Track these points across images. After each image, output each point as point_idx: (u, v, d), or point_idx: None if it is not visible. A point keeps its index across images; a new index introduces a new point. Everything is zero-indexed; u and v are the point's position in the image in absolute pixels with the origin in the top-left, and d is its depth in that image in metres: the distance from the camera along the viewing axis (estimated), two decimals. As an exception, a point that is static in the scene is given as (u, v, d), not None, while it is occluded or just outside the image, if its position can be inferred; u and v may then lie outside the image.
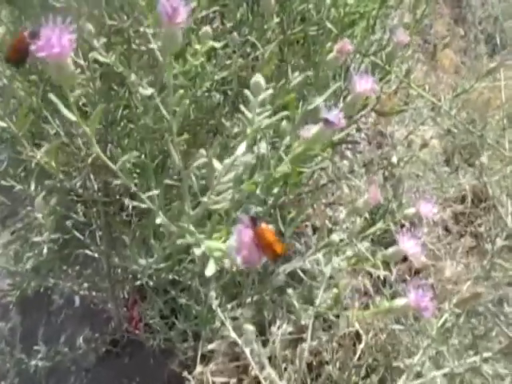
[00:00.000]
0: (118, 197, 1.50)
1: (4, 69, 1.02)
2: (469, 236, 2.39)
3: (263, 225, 0.67)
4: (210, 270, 0.63)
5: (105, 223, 1.53)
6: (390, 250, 0.82)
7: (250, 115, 0.72)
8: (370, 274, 1.87)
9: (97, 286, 1.78)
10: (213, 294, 0.89)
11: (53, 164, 0.98)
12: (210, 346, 1.04)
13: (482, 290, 0.96)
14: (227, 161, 0.72)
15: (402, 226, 1.68)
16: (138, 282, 1.55)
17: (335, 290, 0.89)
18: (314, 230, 2.23)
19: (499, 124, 1.51)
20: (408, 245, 0.80)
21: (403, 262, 2.07)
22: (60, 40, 0.62)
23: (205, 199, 0.72)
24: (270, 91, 0.73)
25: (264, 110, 0.72)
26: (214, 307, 0.88)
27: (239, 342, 0.83)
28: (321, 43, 1.07)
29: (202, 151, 0.74)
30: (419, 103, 1.50)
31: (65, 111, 0.70)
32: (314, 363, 1.77)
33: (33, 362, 1.75)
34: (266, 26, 1.01)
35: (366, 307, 1.93)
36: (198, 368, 1.03)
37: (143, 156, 1.19)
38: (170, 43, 0.73)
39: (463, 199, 2.35)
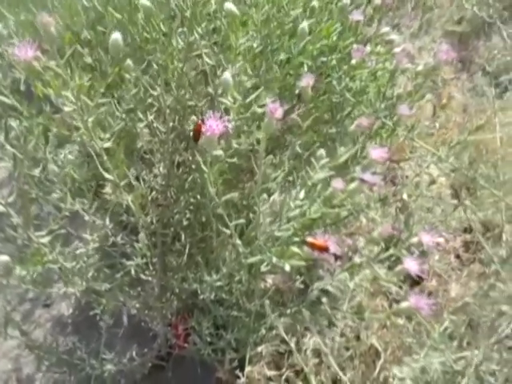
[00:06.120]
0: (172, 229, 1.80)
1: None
2: (478, 262, 2.62)
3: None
4: (287, 267, 0.94)
5: (160, 251, 1.83)
6: (397, 268, 1.08)
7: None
8: (387, 297, 2.11)
9: (148, 306, 2.06)
10: (267, 304, 1.16)
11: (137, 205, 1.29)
12: (260, 348, 1.30)
13: (471, 300, 1.21)
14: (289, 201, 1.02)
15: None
16: (190, 301, 1.81)
17: (359, 298, 1.15)
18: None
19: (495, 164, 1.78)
20: (410, 264, 1.06)
21: (417, 286, 2.31)
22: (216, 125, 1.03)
23: (274, 228, 1.01)
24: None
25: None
26: (268, 316, 1.14)
27: (288, 340, 1.09)
28: (341, 108, 1.38)
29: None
30: (422, 152, 1.79)
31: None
32: (338, 377, 2.00)
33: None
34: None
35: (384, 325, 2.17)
36: (248, 368, 1.28)
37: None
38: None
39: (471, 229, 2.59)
